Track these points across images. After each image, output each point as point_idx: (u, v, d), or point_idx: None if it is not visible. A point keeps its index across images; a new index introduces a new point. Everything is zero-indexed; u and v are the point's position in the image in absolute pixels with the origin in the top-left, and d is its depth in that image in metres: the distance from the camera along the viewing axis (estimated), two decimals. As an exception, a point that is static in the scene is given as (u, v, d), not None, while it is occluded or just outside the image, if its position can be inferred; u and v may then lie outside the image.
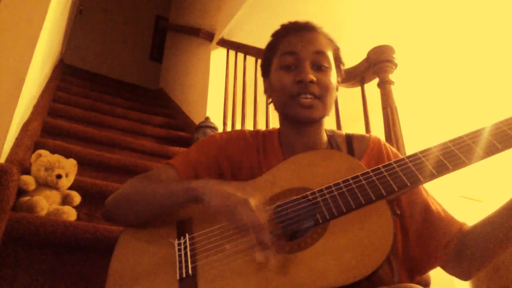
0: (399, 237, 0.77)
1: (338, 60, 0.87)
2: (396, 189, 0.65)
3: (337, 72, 0.86)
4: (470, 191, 3.07)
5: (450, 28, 2.82)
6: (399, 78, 1.59)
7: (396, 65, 1.52)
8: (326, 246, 0.61)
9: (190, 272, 0.65)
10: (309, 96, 0.78)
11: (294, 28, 0.85)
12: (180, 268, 0.66)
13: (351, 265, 0.57)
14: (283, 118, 0.87)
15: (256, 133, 0.91)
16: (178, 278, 0.65)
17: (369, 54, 1.54)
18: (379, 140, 0.87)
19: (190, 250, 0.68)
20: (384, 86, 1.50)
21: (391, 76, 1.51)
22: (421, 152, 0.69)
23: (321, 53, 0.81)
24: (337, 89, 0.87)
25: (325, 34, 0.86)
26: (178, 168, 0.82)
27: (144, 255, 0.71)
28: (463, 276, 0.75)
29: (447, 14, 2.72)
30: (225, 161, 0.85)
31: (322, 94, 0.79)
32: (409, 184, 0.65)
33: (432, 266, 0.76)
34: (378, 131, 1.48)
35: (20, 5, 1.42)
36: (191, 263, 0.66)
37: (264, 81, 0.91)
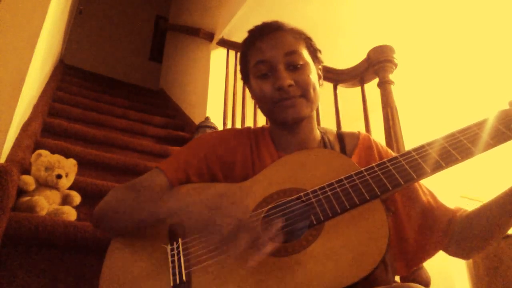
0: (393, 232, 0.78)
1: (312, 50, 0.85)
2: (390, 188, 0.65)
3: (315, 62, 0.85)
4: (470, 191, 3.07)
5: (450, 28, 2.82)
6: (399, 78, 1.59)
7: (396, 65, 1.52)
8: (321, 248, 0.60)
9: (184, 278, 0.63)
10: (291, 99, 0.78)
11: (260, 33, 0.83)
12: (174, 274, 0.64)
13: (348, 267, 0.56)
14: (272, 122, 0.87)
15: (247, 130, 0.91)
16: (172, 284, 0.63)
17: (369, 54, 1.54)
18: (368, 137, 0.89)
19: (184, 256, 0.66)
20: (384, 86, 1.50)
21: (391, 76, 1.51)
22: (414, 149, 0.68)
23: (293, 53, 0.80)
24: (320, 78, 0.87)
25: (292, 30, 0.84)
26: (167, 174, 0.81)
27: (135, 262, 0.68)
28: (461, 257, 0.80)
29: (447, 14, 2.72)
30: (216, 162, 0.84)
31: (304, 92, 0.79)
32: (403, 183, 0.65)
33: (429, 257, 0.78)
34: (378, 131, 1.48)
35: (20, 5, 1.42)
36: (185, 269, 0.64)
37: (248, 87, 0.90)
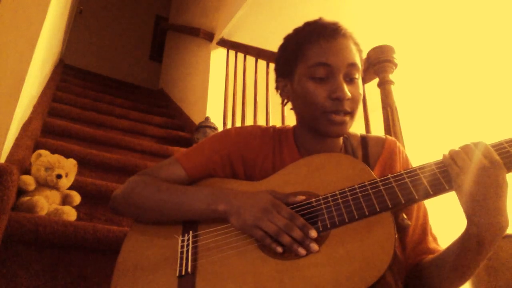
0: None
1: (362, 64, 0.82)
2: (403, 202, 0.62)
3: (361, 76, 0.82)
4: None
5: (450, 27, 2.82)
6: (399, 78, 1.59)
7: (396, 65, 1.52)
8: (324, 256, 0.60)
9: (189, 270, 0.65)
10: (342, 114, 0.75)
11: (324, 34, 0.77)
12: (181, 265, 0.66)
13: (345, 280, 0.56)
14: (305, 126, 0.83)
15: (272, 130, 0.88)
16: (177, 275, 0.65)
17: (369, 54, 1.54)
18: (394, 142, 0.85)
19: (192, 248, 0.69)
20: (384, 86, 1.50)
21: (391, 76, 1.51)
22: (436, 163, 0.64)
23: (354, 65, 0.76)
24: None
25: (354, 40, 0.80)
26: (187, 170, 0.82)
27: (149, 249, 0.72)
28: None
29: (447, 14, 2.72)
30: (239, 160, 0.83)
31: (353, 109, 0.76)
32: (417, 198, 0.62)
33: None
34: (378, 131, 1.48)
35: (20, 5, 1.42)
36: (192, 261, 0.66)
37: (281, 81, 0.85)
